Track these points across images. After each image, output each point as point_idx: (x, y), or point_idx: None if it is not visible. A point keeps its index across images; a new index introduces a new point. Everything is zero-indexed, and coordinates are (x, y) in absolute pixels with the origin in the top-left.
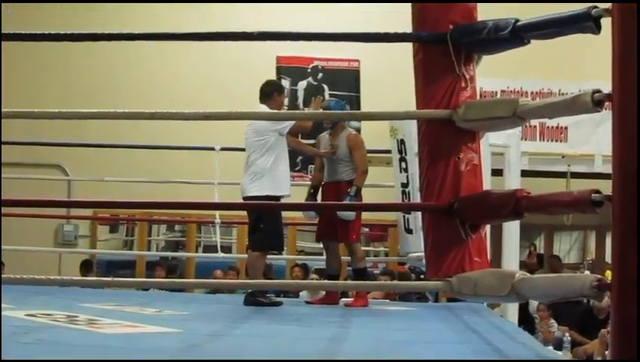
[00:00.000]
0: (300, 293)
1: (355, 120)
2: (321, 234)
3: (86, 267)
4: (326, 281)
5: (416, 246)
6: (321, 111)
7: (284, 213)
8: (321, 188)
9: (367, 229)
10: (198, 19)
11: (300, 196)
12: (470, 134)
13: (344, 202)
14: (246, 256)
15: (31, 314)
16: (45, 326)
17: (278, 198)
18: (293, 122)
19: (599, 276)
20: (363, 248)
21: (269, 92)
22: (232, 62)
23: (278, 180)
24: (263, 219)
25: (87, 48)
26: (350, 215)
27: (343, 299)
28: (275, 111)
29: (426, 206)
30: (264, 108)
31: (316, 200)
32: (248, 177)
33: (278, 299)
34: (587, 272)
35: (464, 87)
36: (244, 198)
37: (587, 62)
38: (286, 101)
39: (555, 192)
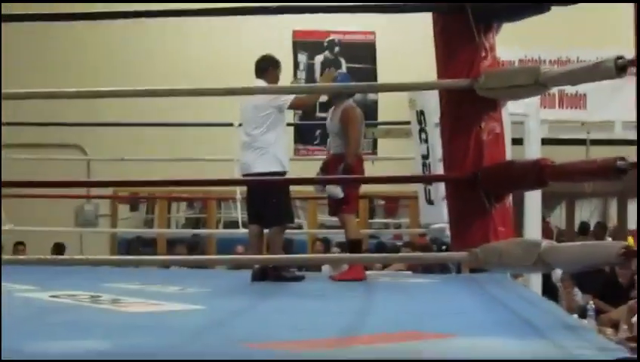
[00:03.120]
0: (323, 268)
1: (376, 91)
2: (330, 209)
3: (58, 250)
4: (346, 255)
5: (437, 218)
6: (335, 84)
7: (305, 189)
8: None
9: (382, 202)
10: None
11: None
12: (492, 103)
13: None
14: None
15: (55, 295)
16: (70, 306)
17: (283, 174)
18: (292, 97)
19: (625, 243)
20: (382, 220)
21: (265, 67)
22: (248, 38)
23: (283, 156)
24: (275, 195)
25: (102, 26)
26: (337, 193)
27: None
28: (313, 84)
29: (449, 177)
30: (260, 83)
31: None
32: (253, 154)
33: (300, 274)
34: (609, 239)
35: (484, 56)
36: (248, 175)
37: (603, 29)
38: (303, 75)
39: (578, 160)
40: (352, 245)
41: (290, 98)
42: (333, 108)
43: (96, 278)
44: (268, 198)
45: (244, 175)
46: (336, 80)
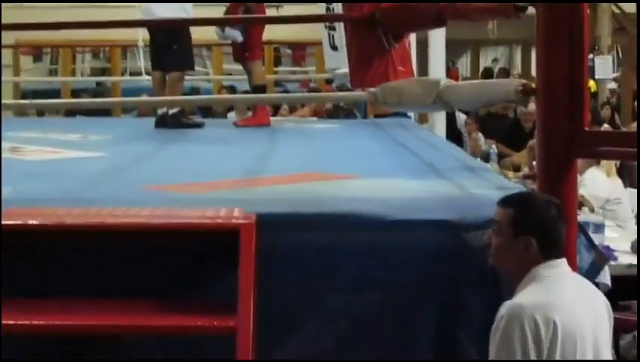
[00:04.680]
0: (229, 115)
1: None
2: (234, 55)
3: None
4: (248, 95)
5: (342, 63)
6: None
7: (210, 36)
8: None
9: (289, 51)
10: None
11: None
12: None
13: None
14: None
15: None
16: None
17: None
18: None
19: (524, 81)
20: (289, 68)
21: None
22: None
23: (188, 4)
24: (177, 39)
25: None
26: (236, 36)
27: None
28: None
29: (347, 16)
30: None
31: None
32: None
33: (200, 121)
34: None
35: None
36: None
37: None
38: None
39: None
40: (257, 90)
41: None
42: None
43: None
44: (169, 43)
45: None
46: None
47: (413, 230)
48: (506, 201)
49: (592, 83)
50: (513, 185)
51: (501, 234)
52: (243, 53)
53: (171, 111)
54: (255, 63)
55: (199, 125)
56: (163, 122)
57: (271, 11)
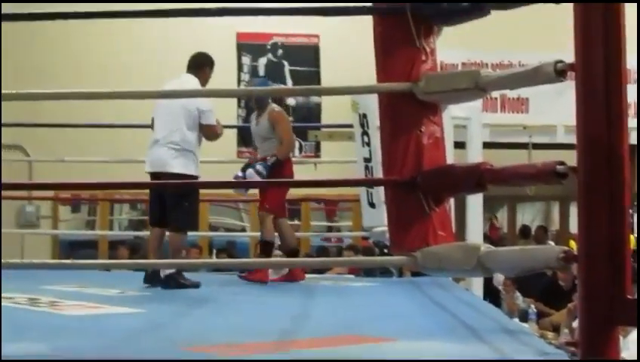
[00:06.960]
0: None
1: (316, 95)
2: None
3: None
4: (283, 259)
5: (379, 221)
6: (281, 87)
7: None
8: None
9: (321, 204)
10: None
11: None
12: (432, 107)
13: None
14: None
15: None
16: (7, 309)
17: (197, 178)
18: (214, 121)
19: (566, 248)
20: (323, 223)
21: (201, 63)
22: (191, 40)
23: (198, 160)
24: (188, 198)
25: (48, 25)
26: (252, 177)
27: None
28: (251, 88)
29: (388, 180)
30: (191, 79)
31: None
32: (172, 152)
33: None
34: (551, 243)
35: (424, 60)
36: (162, 173)
37: (546, 33)
38: (247, 77)
39: (518, 164)
40: (265, 246)
41: (214, 121)
42: (256, 113)
43: (36, 280)
44: (179, 200)
45: (154, 172)
46: (254, 85)
47: None
48: None
49: (631, 238)
50: (555, 350)
51: None
52: (262, 203)
53: (168, 272)
54: (268, 217)
55: (196, 285)
56: (153, 278)
57: (309, 167)
